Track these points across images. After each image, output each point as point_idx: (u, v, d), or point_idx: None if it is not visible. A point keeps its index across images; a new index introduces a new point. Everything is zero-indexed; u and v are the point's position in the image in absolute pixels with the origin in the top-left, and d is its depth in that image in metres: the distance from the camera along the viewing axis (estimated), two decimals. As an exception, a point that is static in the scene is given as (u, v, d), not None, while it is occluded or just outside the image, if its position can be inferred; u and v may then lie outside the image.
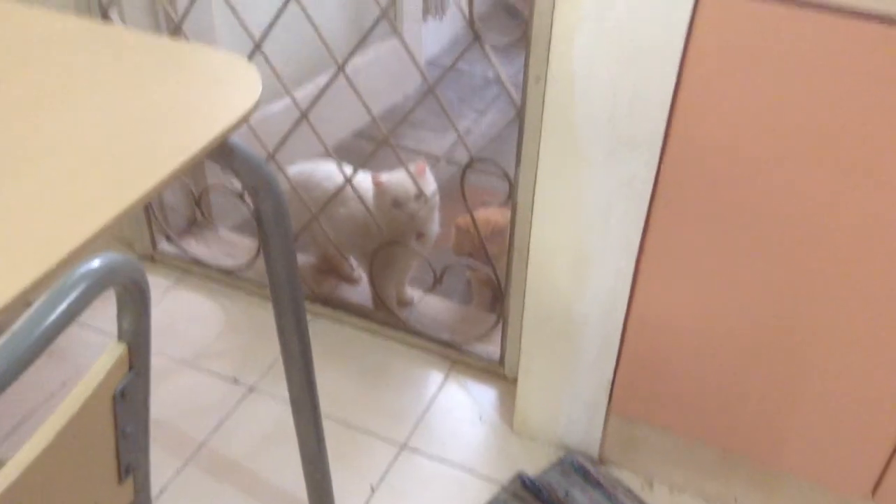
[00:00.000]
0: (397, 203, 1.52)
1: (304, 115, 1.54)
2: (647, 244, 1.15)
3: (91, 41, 0.95)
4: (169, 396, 1.50)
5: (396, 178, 1.54)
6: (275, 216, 0.97)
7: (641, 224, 1.14)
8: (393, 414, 1.49)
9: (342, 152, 1.77)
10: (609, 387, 1.32)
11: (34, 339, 0.54)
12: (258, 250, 1.70)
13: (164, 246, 1.79)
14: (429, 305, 1.71)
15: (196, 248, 1.80)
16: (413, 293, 1.73)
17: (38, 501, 0.59)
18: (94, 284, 0.57)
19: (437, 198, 1.57)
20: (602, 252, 1.19)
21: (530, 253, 1.25)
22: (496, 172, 1.37)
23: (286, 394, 1.15)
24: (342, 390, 1.52)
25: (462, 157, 1.63)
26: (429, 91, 1.44)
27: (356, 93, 1.47)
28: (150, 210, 1.74)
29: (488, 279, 1.58)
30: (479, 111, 2.50)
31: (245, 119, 0.85)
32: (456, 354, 1.58)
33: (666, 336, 1.21)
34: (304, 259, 1.76)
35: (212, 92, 0.89)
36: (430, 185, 1.55)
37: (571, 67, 1.07)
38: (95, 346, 1.53)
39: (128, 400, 0.65)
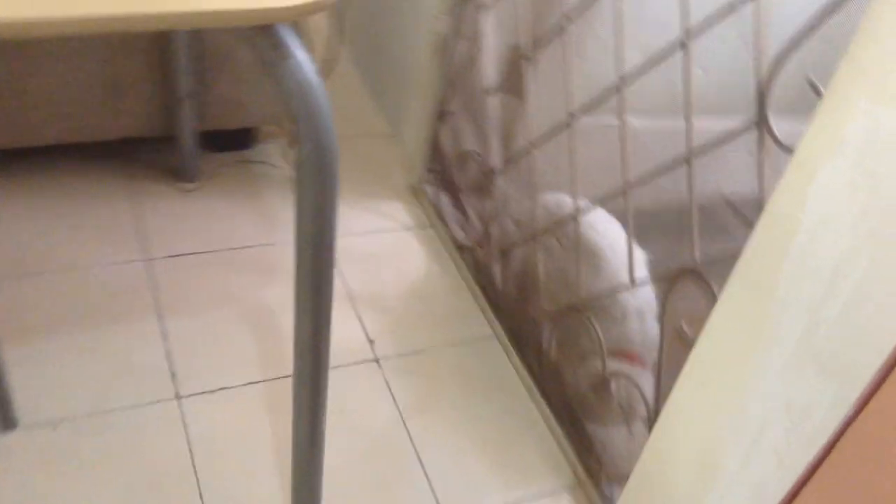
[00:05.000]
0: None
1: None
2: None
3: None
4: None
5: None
6: (316, 162, 0.68)
7: (792, 483, 0.74)
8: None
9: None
10: None
11: None
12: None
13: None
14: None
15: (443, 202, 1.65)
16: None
17: None
18: None
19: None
20: (731, 483, 0.81)
21: (659, 416, 0.90)
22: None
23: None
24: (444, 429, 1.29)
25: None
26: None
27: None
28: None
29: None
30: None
31: (304, 11, 0.62)
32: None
33: None
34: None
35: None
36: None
37: (798, 214, 0.70)
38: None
39: None
